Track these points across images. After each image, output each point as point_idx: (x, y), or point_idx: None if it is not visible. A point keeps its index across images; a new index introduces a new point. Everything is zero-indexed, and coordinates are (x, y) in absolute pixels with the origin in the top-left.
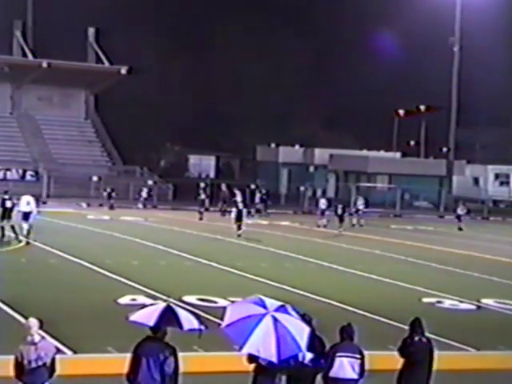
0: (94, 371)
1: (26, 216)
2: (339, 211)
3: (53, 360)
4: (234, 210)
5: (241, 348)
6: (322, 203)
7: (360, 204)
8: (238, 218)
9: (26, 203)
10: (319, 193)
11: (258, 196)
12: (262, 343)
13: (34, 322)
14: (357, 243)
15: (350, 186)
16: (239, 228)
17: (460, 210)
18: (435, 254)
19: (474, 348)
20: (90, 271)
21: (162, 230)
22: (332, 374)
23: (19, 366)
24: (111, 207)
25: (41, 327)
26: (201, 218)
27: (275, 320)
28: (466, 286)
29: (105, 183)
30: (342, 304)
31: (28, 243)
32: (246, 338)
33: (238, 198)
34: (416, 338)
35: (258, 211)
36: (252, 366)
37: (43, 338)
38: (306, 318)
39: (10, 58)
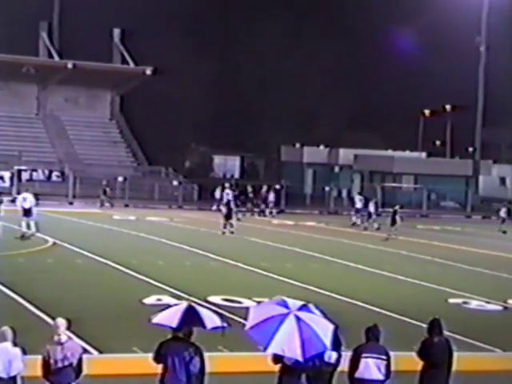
0: (119, 371)
1: (25, 212)
2: (393, 212)
3: (79, 361)
4: (223, 208)
5: (265, 348)
6: (359, 200)
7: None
8: (228, 216)
9: (23, 199)
10: (351, 193)
11: (272, 195)
12: (287, 343)
13: (61, 322)
14: (383, 243)
15: (376, 186)
16: (231, 225)
17: (503, 213)
18: (462, 254)
19: (501, 349)
20: (116, 271)
21: (187, 230)
22: (358, 374)
23: (46, 365)
24: (110, 204)
25: (69, 327)
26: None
27: (298, 319)
28: (493, 286)
29: (105, 182)
30: (368, 304)
31: (23, 236)
32: (269, 339)
33: (230, 196)
34: (435, 339)
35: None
36: (277, 367)
37: (70, 338)
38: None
39: (35, 59)
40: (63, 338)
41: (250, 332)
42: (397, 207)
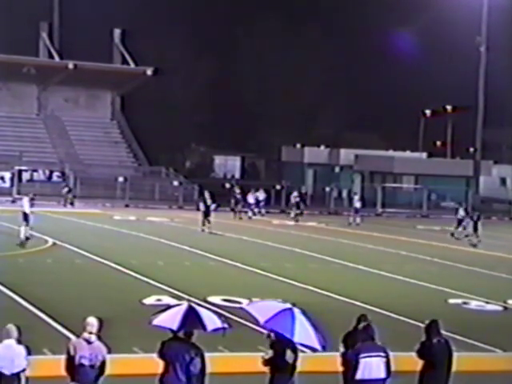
0: (119, 371)
1: (26, 217)
2: (474, 218)
3: (102, 362)
4: (201, 205)
5: (292, 337)
6: (356, 200)
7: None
8: (206, 214)
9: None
10: (351, 193)
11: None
12: (305, 335)
13: (94, 322)
14: (383, 244)
15: (376, 186)
16: (208, 222)
17: None
18: (462, 254)
19: (500, 349)
20: (116, 271)
21: (187, 230)
22: (358, 376)
23: (70, 359)
24: (71, 203)
25: (100, 329)
26: (237, 217)
27: (302, 313)
28: (493, 287)
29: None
30: (367, 305)
31: (23, 245)
32: (291, 330)
33: (207, 194)
34: (435, 340)
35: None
36: (268, 367)
37: (99, 337)
38: (364, 318)
39: (36, 59)
40: (93, 338)
41: (268, 325)
42: (477, 213)
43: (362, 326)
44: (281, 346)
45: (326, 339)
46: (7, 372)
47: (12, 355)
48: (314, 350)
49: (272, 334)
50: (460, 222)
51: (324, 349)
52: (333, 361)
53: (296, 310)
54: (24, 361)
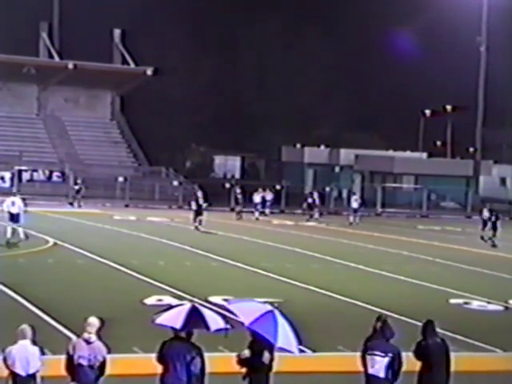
0: (119, 371)
1: (12, 217)
2: (493, 218)
3: (102, 363)
4: (193, 204)
5: (275, 342)
6: (354, 200)
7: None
8: (198, 212)
9: (11, 204)
10: (348, 193)
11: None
12: (286, 339)
13: (95, 322)
14: (383, 244)
15: (376, 186)
16: (199, 223)
17: None
18: (463, 254)
19: (501, 349)
20: (117, 272)
21: (187, 230)
22: (369, 370)
23: (69, 359)
24: (70, 203)
25: (100, 328)
26: (238, 218)
27: (282, 314)
28: (494, 287)
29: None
30: (369, 305)
31: (8, 243)
32: (274, 333)
33: (199, 193)
34: (430, 341)
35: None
36: (241, 368)
37: (100, 338)
38: (379, 318)
39: (36, 59)
40: (92, 338)
41: (252, 327)
42: (494, 213)
43: (379, 326)
44: (259, 346)
45: (301, 340)
46: (22, 373)
47: (27, 356)
48: (291, 353)
49: (249, 334)
50: (485, 222)
51: (300, 351)
52: (331, 361)
53: (277, 313)
54: (38, 362)
